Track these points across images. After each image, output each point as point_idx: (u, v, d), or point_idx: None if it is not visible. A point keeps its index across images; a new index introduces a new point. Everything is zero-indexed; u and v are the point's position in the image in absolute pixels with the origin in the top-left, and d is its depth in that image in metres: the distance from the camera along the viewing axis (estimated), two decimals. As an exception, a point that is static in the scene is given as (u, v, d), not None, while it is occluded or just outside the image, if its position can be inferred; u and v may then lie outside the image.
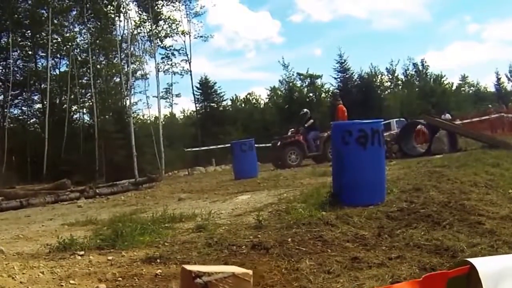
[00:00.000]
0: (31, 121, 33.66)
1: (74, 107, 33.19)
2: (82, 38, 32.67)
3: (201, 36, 35.90)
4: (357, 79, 39.24)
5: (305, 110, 17.62)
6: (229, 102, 43.29)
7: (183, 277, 1.56)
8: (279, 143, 16.28)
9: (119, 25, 33.18)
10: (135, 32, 32.79)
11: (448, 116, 25.10)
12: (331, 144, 6.73)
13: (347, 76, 38.79)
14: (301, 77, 40.16)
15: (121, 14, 31.95)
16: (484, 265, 1.53)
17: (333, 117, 16.22)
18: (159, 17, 33.48)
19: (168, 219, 5.74)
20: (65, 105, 31.43)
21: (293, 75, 39.71)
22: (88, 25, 31.56)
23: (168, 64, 35.30)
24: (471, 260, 1.54)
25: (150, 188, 13.29)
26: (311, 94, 39.60)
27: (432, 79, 46.63)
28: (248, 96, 47.26)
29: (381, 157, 6.09)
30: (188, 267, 1.50)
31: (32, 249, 4.72)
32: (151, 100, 35.31)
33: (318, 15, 70.05)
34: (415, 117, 20.66)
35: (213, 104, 39.00)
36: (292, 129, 17.11)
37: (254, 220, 5.15)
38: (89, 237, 4.94)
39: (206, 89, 38.92)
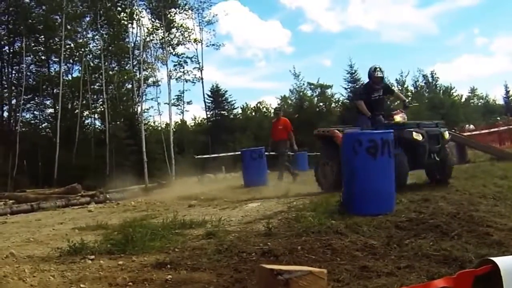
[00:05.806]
0: (43, 125, 33.92)
1: (86, 113, 33.42)
2: (95, 44, 32.99)
3: (213, 44, 36.07)
4: (367, 90, 39.09)
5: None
6: (240, 111, 43.36)
7: (261, 275, 1.67)
8: None
9: (132, 32, 33.49)
10: (148, 39, 32.98)
11: (472, 127, 25.68)
12: (341, 154, 6.64)
13: (357, 86, 38.71)
14: (312, 86, 40.18)
15: (134, 21, 32.22)
16: (505, 263, 1.67)
17: (274, 131, 13.21)
18: (172, 25, 33.65)
19: (178, 225, 5.75)
20: (77, 110, 31.67)
21: (303, 84, 39.77)
22: (101, 31, 31.84)
23: (180, 72, 35.39)
24: (493, 259, 1.70)
25: (160, 194, 13.33)
26: (321, 104, 39.58)
27: (441, 91, 46.49)
28: (258, 104, 47.34)
29: (391, 167, 6.09)
30: (267, 266, 1.62)
31: (43, 253, 4.75)
32: (162, 107, 35.26)
33: (328, 25, 70.23)
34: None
35: (223, 112, 39.12)
36: None
37: (264, 227, 5.16)
38: (100, 241, 4.96)
39: (217, 97, 39.06)
